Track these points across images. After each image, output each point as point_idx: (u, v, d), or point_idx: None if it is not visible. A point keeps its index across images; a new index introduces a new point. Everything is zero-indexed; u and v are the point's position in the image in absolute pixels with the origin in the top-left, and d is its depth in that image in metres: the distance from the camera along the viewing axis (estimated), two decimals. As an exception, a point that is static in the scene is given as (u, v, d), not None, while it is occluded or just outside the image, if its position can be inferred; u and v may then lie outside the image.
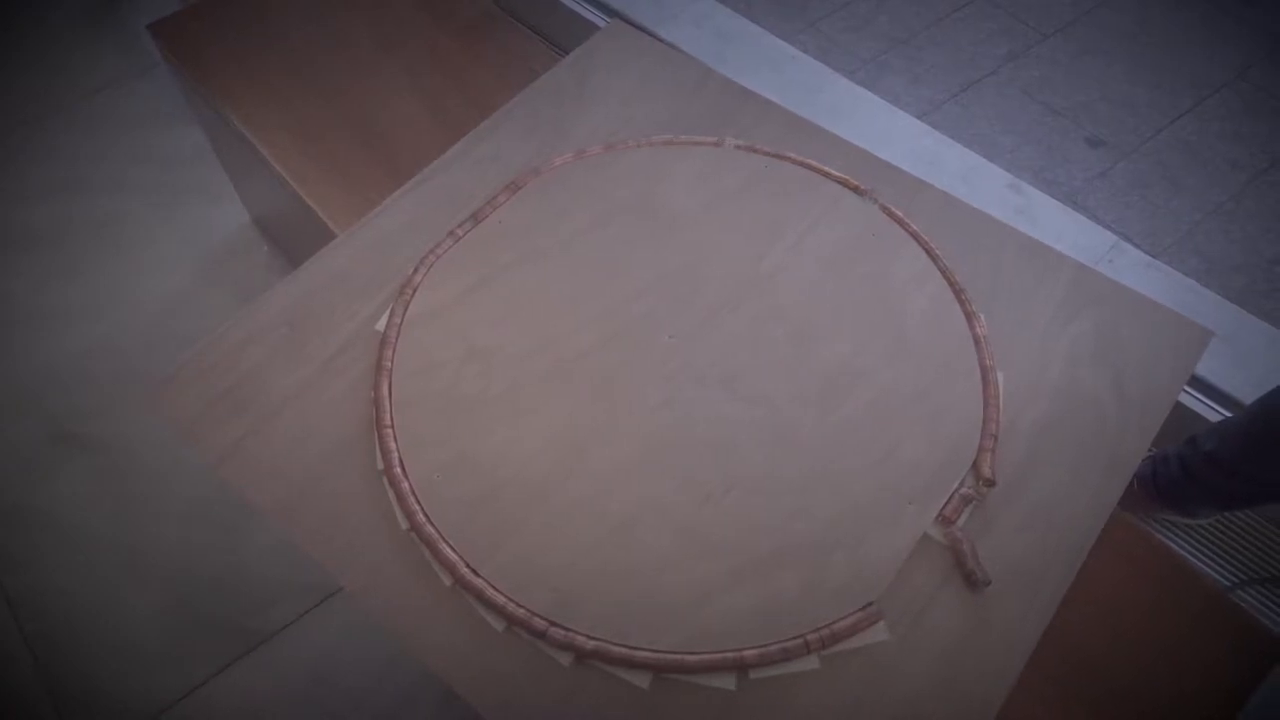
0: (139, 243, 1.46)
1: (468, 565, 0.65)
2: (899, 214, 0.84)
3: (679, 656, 0.61)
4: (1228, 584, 1.12)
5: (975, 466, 0.69)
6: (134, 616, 1.09)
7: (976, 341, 0.76)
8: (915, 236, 0.82)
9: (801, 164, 0.87)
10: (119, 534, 1.16)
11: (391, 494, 0.68)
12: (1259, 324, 1.27)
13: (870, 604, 0.63)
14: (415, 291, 0.79)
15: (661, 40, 1.46)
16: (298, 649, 1.04)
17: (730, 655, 0.61)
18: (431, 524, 0.67)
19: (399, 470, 0.69)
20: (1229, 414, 1.14)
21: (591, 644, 0.61)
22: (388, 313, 0.78)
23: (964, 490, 0.68)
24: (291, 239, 1.29)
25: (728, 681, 0.61)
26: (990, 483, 0.68)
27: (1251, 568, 1.14)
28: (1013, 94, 1.80)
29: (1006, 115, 1.77)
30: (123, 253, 1.44)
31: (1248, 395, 1.13)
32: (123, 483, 1.21)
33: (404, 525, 0.67)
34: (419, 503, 0.68)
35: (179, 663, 1.04)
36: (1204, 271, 1.50)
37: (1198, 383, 1.20)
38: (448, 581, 0.65)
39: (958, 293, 0.79)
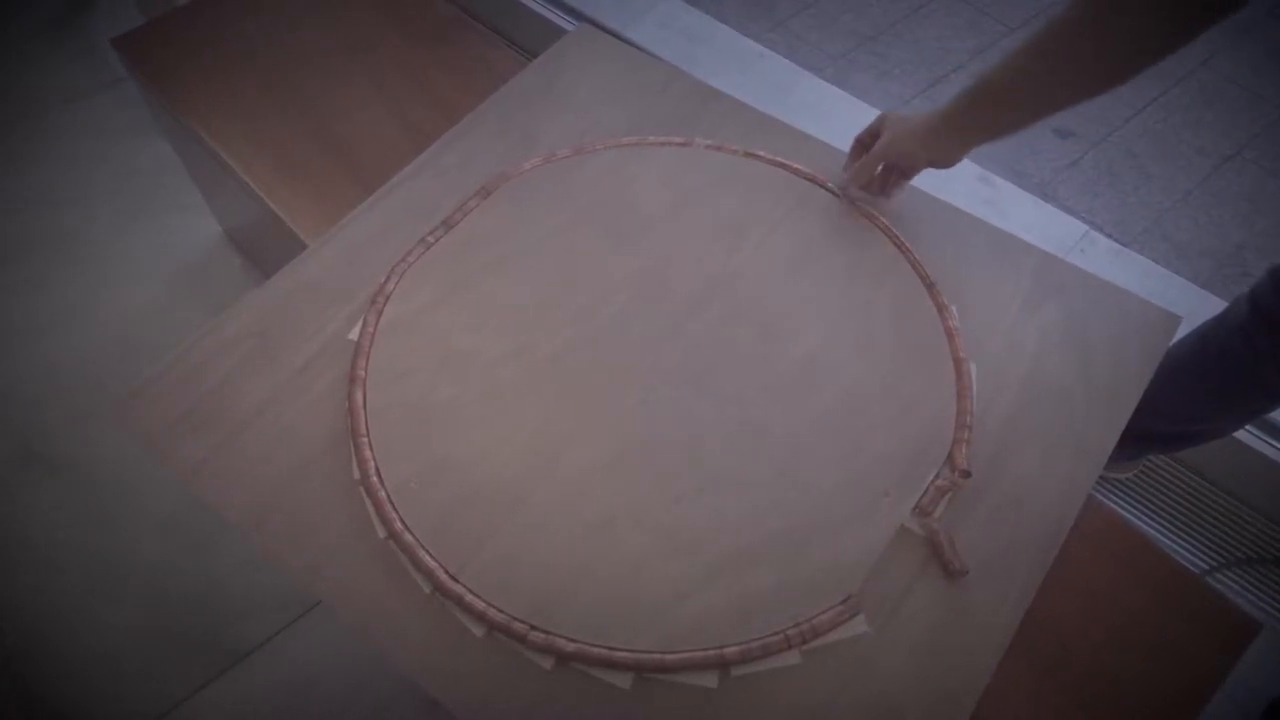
0: (107, 255, 1.44)
1: (446, 571, 0.65)
2: (868, 209, 0.84)
3: (660, 656, 0.61)
4: (1206, 567, 1.13)
5: (950, 458, 0.70)
6: (110, 634, 1.07)
7: (949, 334, 0.76)
8: (885, 230, 0.83)
9: (770, 162, 0.88)
10: (92, 551, 1.14)
11: (369, 503, 0.68)
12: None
13: (849, 597, 0.63)
14: (388, 299, 0.79)
15: (629, 42, 1.46)
16: (276, 664, 1.03)
17: (711, 653, 0.61)
18: (410, 532, 0.66)
19: (375, 479, 0.69)
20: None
21: (572, 646, 0.61)
22: (360, 321, 0.78)
23: (940, 481, 0.69)
24: (263, 250, 1.28)
25: (709, 679, 0.61)
26: (965, 473, 0.69)
27: (1227, 551, 1.16)
28: (982, 88, 1.82)
29: (976, 109, 1.78)
30: (90, 266, 1.42)
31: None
32: (94, 499, 1.19)
33: (382, 534, 0.67)
34: (396, 511, 0.67)
35: (157, 680, 1.03)
36: (1174, 257, 1.52)
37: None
38: (427, 588, 0.64)
39: (929, 286, 0.79)
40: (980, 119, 0.70)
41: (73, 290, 1.40)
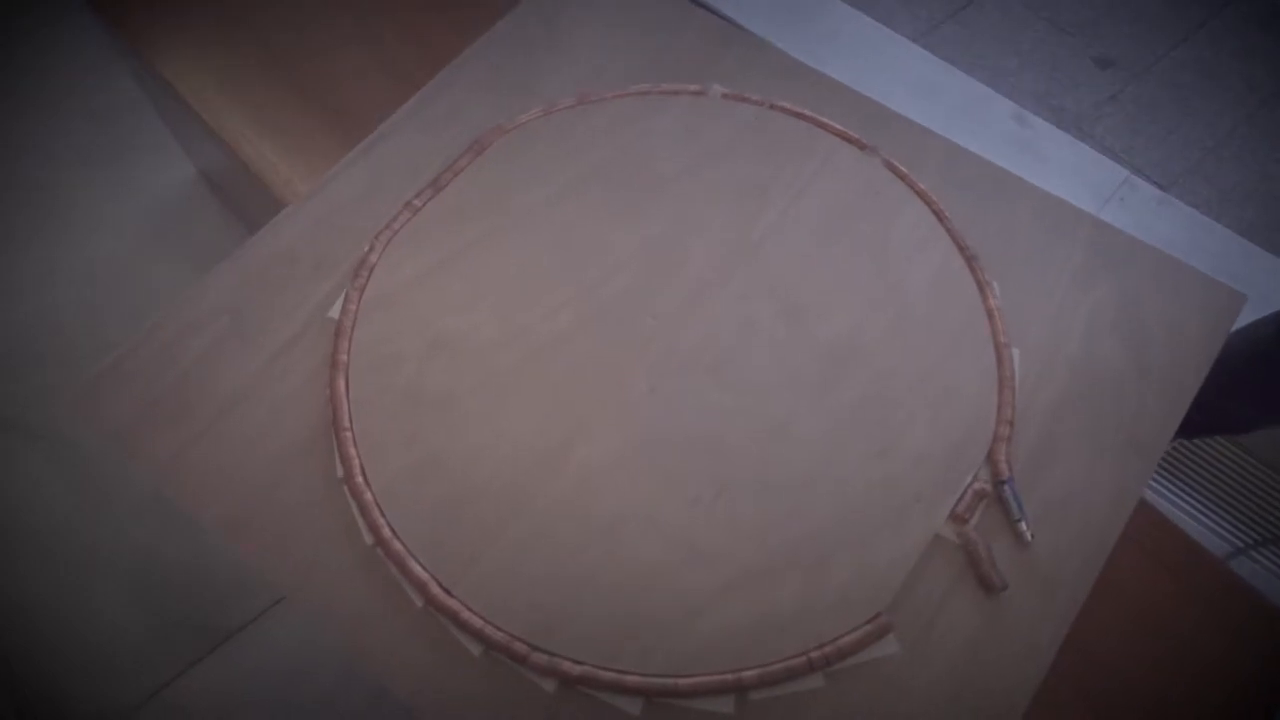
0: (74, 206, 1.34)
1: (439, 584, 0.59)
2: (903, 169, 0.76)
3: (672, 680, 0.56)
4: (1240, 545, 1.09)
5: (990, 457, 0.64)
6: (94, 614, 1.04)
7: (989, 315, 0.69)
8: (922, 195, 0.75)
9: (795, 114, 0.79)
10: (73, 527, 1.10)
11: (354, 505, 0.62)
12: (1274, 261, 1.21)
13: (878, 615, 0.58)
14: (371, 272, 0.71)
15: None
16: (265, 644, 0.99)
17: (728, 677, 0.56)
18: (399, 539, 0.61)
19: (360, 479, 0.63)
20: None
21: (578, 669, 0.57)
22: (342, 297, 0.70)
23: (978, 485, 0.63)
24: (240, 197, 1.20)
25: (726, 704, 0.56)
26: (1005, 479, 0.63)
27: (1262, 527, 1.11)
28: (1016, 10, 1.69)
29: (1009, 34, 1.65)
30: (56, 218, 1.33)
31: (1265, 345, 1.07)
32: (74, 471, 1.14)
33: (368, 540, 0.61)
34: (384, 515, 0.62)
35: (144, 662, 0.99)
36: (1216, 202, 1.42)
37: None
38: (419, 602, 0.59)
39: (969, 260, 0.72)
40: None
41: (38, 247, 1.31)
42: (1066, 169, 1.24)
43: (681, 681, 0.56)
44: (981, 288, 0.71)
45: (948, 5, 1.69)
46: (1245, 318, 1.11)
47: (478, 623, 0.58)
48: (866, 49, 1.36)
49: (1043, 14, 1.67)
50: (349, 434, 0.65)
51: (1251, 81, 1.57)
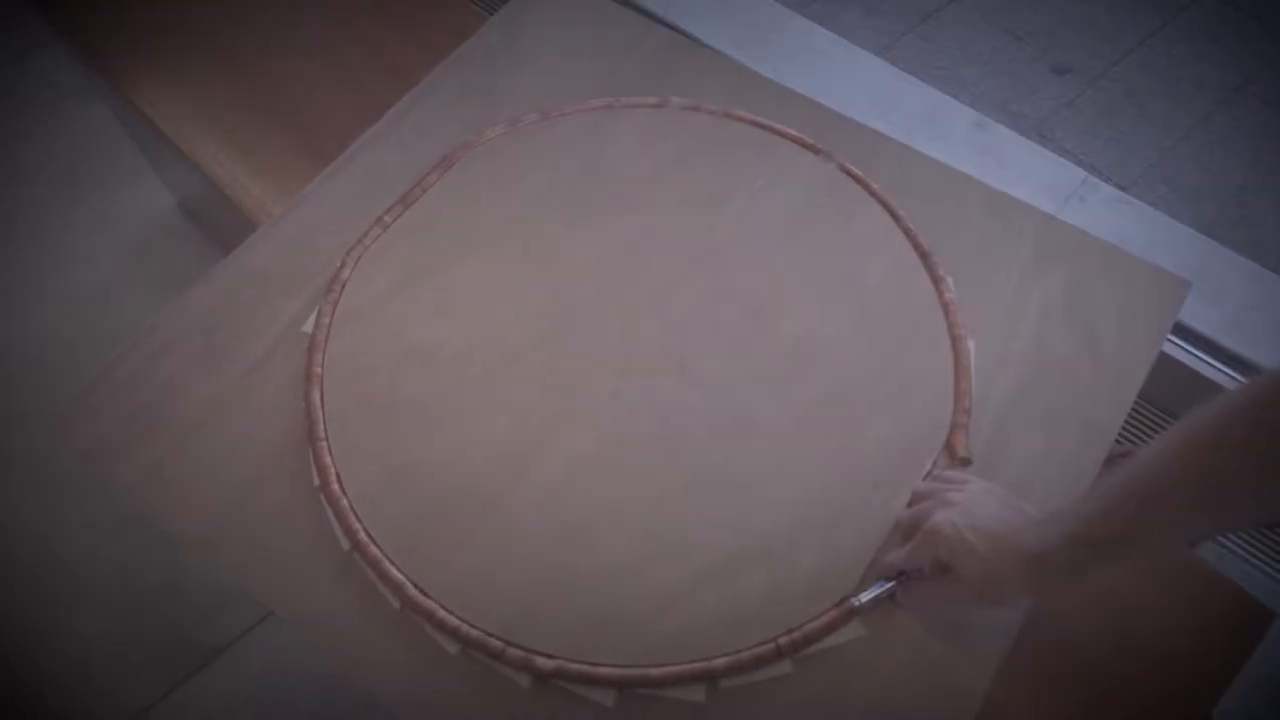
0: (50, 233, 1.35)
1: (415, 585, 0.61)
2: (857, 172, 0.78)
3: (644, 671, 0.58)
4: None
5: (948, 444, 0.66)
6: (76, 638, 1.03)
7: (945, 308, 0.71)
8: (876, 196, 0.77)
9: (751, 122, 0.81)
10: (50, 551, 1.09)
11: (330, 512, 0.64)
12: (1231, 256, 1.24)
13: (843, 600, 0.60)
14: (343, 288, 0.73)
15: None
16: (250, 660, 0.99)
17: (699, 666, 0.58)
18: (375, 543, 0.62)
19: (336, 486, 0.64)
20: (1201, 356, 1.11)
21: (551, 664, 0.58)
22: (315, 313, 0.72)
23: (937, 471, 0.64)
24: (217, 226, 1.21)
25: (697, 693, 0.58)
26: (965, 461, 0.65)
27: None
28: (975, 21, 1.73)
29: (969, 45, 1.70)
30: (32, 245, 1.33)
31: (1222, 335, 1.10)
32: (49, 495, 1.13)
33: (345, 545, 0.62)
34: (360, 520, 0.63)
35: (129, 684, 0.99)
36: (1174, 201, 1.46)
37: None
38: (395, 604, 0.61)
39: (923, 256, 0.74)
40: (1116, 537, 0.47)
41: (12, 274, 1.31)
42: (1026, 172, 1.27)
43: (653, 671, 0.57)
44: (936, 283, 0.73)
45: (908, 19, 1.73)
46: (1195, 307, 1.14)
47: (453, 621, 0.59)
48: (828, 63, 1.39)
49: (1001, 24, 1.72)
50: (324, 444, 0.66)
51: (1205, 83, 1.61)
